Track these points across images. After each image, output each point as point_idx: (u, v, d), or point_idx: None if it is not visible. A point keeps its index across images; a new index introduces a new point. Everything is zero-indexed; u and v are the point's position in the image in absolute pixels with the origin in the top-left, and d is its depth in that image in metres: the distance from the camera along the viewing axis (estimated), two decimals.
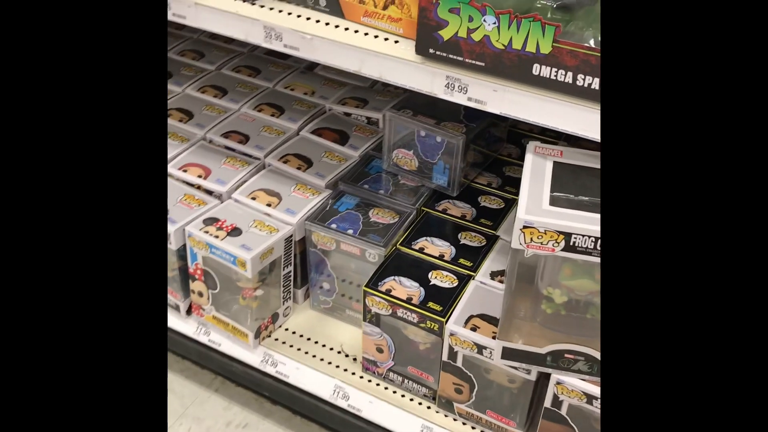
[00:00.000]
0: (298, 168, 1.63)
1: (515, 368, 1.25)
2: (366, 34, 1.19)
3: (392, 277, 1.37)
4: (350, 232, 1.46)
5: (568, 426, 1.25)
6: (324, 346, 1.55)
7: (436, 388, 1.40)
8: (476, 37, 1.05)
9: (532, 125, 1.72)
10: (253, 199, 1.55)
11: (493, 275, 1.38)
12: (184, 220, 1.50)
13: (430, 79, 1.13)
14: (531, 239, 1.05)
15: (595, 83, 1.00)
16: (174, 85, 1.90)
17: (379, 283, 1.36)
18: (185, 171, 1.63)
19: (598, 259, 1.05)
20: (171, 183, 1.60)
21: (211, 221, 1.49)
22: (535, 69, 1.03)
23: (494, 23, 1.03)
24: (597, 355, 1.16)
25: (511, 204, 1.55)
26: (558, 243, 1.04)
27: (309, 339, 1.57)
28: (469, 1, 1.03)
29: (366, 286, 1.36)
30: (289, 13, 1.24)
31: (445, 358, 1.33)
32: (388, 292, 1.35)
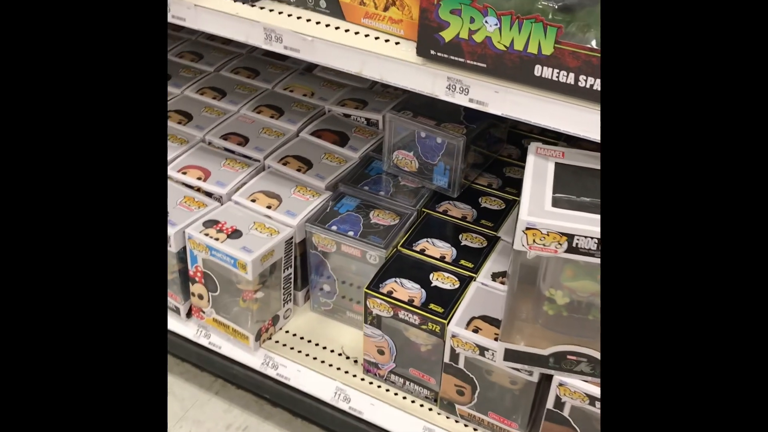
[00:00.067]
0: (298, 170, 1.63)
1: (517, 370, 1.25)
2: (367, 35, 1.18)
3: (393, 279, 1.37)
4: (351, 233, 1.46)
5: (570, 427, 1.25)
6: (325, 348, 1.55)
7: (438, 390, 1.40)
8: (478, 38, 1.04)
9: (532, 126, 1.73)
10: (253, 201, 1.55)
11: (495, 276, 1.38)
12: (184, 223, 1.49)
13: (431, 81, 1.12)
14: (533, 241, 1.05)
15: (597, 84, 1.00)
16: (173, 86, 1.90)
17: (381, 285, 1.36)
18: (185, 173, 1.62)
19: (600, 261, 1.05)
20: (170, 185, 1.60)
21: (211, 223, 1.48)
22: (537, 70, 1.03)
23: (496, 24, 1.03)
24: (599, 356, 1.16)
25: (511, 205, 1.55)
26: (561, 244, 1.04)
27: (310, 341, 1.56)
28: (470, 3, 1.03)
29: (367, 288, 1.36)
30: (290, 15, 1.23)
31: (446, 359, 1.33)
32: (389, 294, 1.34)
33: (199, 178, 1.61)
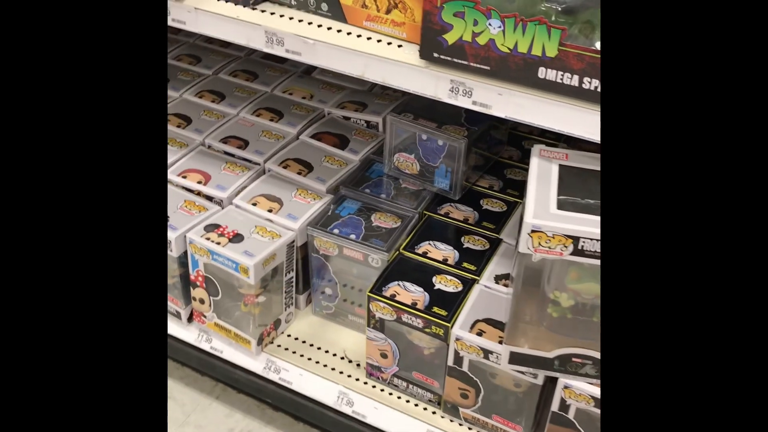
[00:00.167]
0: (299, 173, 1.62)
1: (522, 373, 1.25)
2: (369, 38, 1.18)
3: (396, 282, 1.37)
4: (353, 237, 1.45)
5: (575, 430, 1.25)
6: (327, 352, 1.54)
7: (442, 393, 1.40)
8: (481, 40, 1.04)
9: (532, 127, 1.73)
10: (254, 204, 1.54)
11: (498, 279, 1.38)
12: (185, 227, 1.49)
13: (434, 83, 1.12)
14: (539, 243, 1.04)
15: None
16: (171, 90, 1.89)
17: (383, 289, 1.36)
18: (185, 177, 1.61)
19: None
20: (171, 189, 1.59)
21: (212, 228, 1.48)
22: (541, 72, 1.03)
23: (499, 27, 1.02)
24: None
25: (513, 207, 1.55)
26: (566, 247, 1.04)
27: (312, 345, 1.56)
28: (474, 5, 1.02)
29: (370, 291, 1.35)
30: (291, 18, 1.23)
31: (450, 363, 1.32)
32: (392, 298, 1.34)
33: (199, 182, 1.60)
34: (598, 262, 1.05)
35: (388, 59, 1.14)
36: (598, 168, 1.13)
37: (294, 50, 1.21)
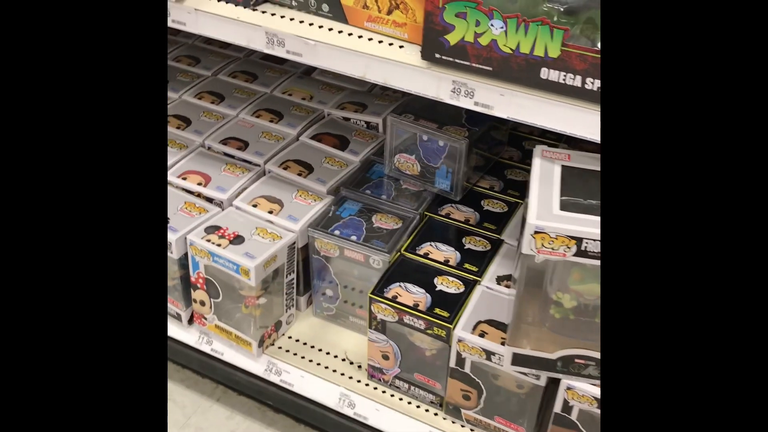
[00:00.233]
0: (299, 174, 1.62)
1: (524, 374, 1.24)
2: (370, 39, 1.18)
3: (398, 284, 1.36)
4: (354, 238, 1.45)
5: (578, 431, 1.24)
6: (328, 353, 1.54)
7: (443, 395, 1.39)
8: (483, 41, 1.04)
9: (532, 128, 1.72)
10: (255, 206, 1.54)
11: (499, 280, 1.38)
12: (185, 229, 1.48)
13: (436, 84, 1.12)
14: (542, 245, 1.04)
15: None
16: (170, 91, 1.89)
17: (385, 290, 1.35)
18: (185, 178, 1.61)
19: None
20: (171, 191, 1.58)
21: (212, 229, 1.47)
22: (543, 73, 1.02)
23: (501, 27, 1.02)
24: None
25: (514, 207, 1.54)
26: (569, 248, 1.03)
27: (313, 347, 1.55)
28: (476, 6, 1.02)
29: (371, 292, 1.35)
30: (292, 19, 1.22)
31: (452, 364, 1.32)
32: (394, 299, 1.33)
33: (199, 184, 1.59)
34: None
35: (390, 60, 1.14)
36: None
37: (295, 51, 1.21)
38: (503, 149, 1.70)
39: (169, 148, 1.68)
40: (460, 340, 1.28)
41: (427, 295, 1.34)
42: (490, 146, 1.64)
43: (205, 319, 1.55)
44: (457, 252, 1.44)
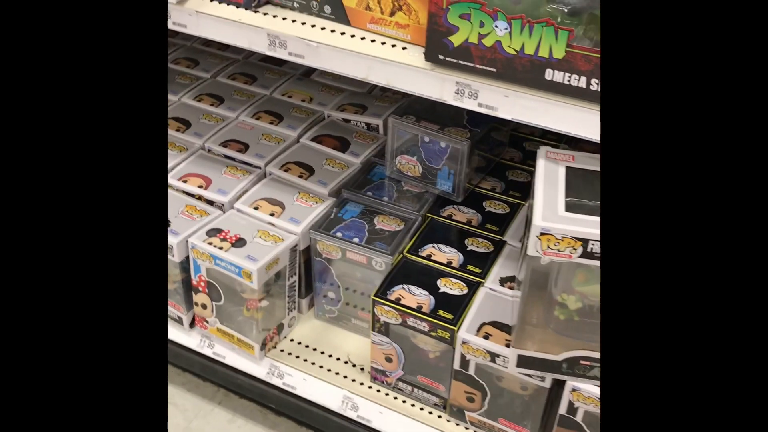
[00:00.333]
0: (300, 176, 1.61)
1: (529, 376, 1.24)
2: (373, 40, 1.17)
3: (401, 286, 1.36)
4: (356, 240, 1.45)
5: None
6: (330, 356, 1.53)
7: (447, 397, 1.39)
8: (487, 42, 1.03)
9: (533, 129, 1.72)
10: (256, 208, 1.53)
11: (503, 281, 1.37)
12: (186, 232, 1.47)
13: (439, 86, 1.11)
14: (548, 246, 1.04)
15: None
16: (169, 93, 1.88)
17: (388, 292, 1.35)
18: (185, 181, 1.60)
19: None
20: (171, 194, 1.58)
21: (214, 232, 1.46)
22: (548, 74, 1.02)
23: (506, 29, 1.02)
24: None
25: (516, 209, 1.54)
26: (575, 249, 1.03)
27: (315, 349, 1.55)
28: (480, 7, 1.02)
29: (375, 295, 1.34)
30: (294, 21, 1.22)
31: (456, 366, 1.31)
32: (397, 301, 1.33)
33: (200, 186, 1.59)
34: None
35: (393, 61, 1.13)
36: None
37: (297, 53, 1.21)
38: (504, 150, 1.70)
39: (169, 151, 1.67)
40: (464, 342, 1.27)
41: (431, 297, 1.34)
42: (491, 147, 1.63)
43: (207, 322, 1.54)
44: (459, 253, 1.43)
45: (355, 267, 1.48)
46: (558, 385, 1.25)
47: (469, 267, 1.40)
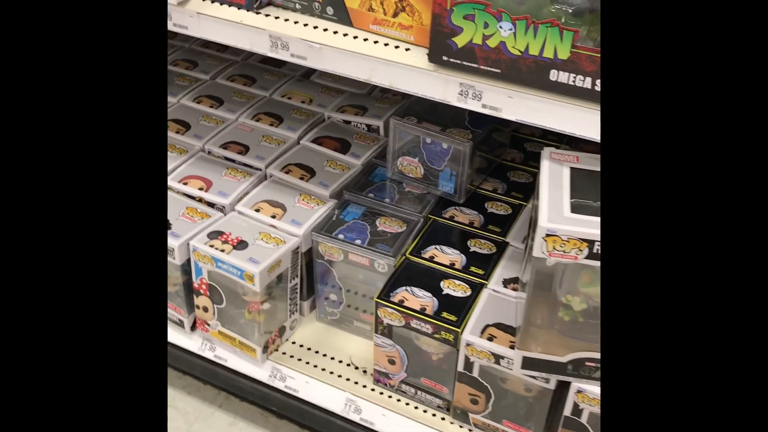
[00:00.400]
0: (301, 178, 1.60)
1: (534, 377, 1.24)
2: (375, 42, 1.17)
3: (404, 288, 1.35)
4: (358, 242, 1.44)
5: None
6: (333, 358, 1.53)
7: (451, 399, 1.38)
8: (492, 43, 1.03)
9: (534, 129, 1.72)
10: (257, 210, 1.53)
11: (506, 283, 1.37)
12: (188, 234, 1.47)
13: (443, 87, 1.11)
14: (554, 247, 1.03)
15: None
16: (169, 95, 1.87)
17: (391, 294, 1.34)
18: (185, 184, 1.59)
19: None
20: (172, 196, 1.57)
21: (215, 234, 1.46)
22: (553, 75, 1.02)
23: (510, 29, 1.01)
24: None
25: (518, 210, 1.54)
26: (581, 251, 1.03)
27: (317, 352, 1.54)
28: (484, 8, 1.01)
29: (378, 297, 1.34)
30: (296, 22, 1.21)
31: (460, 368, 1.31)
32: (401, 303, 1.32)
33: (200, 189, 1.58)
34: None
35: (396, 63, 1.13)
36: None
37: (299, 54, 1.20)
38: (505, 151, 1.70)
39: (169, 153, 1.67)
40: (468, 344, 1.27)
41: (434, 299, 1.33)
42: (493, 148, 1.63)
43: (208, 325, 1.53)
44: (462, 255, 1.43)
45: (356, 269, 1.47)
46: (562, 387, 1.25)
47: (472, 268, 1.40)
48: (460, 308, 1.32)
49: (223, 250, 1.42)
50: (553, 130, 1.06)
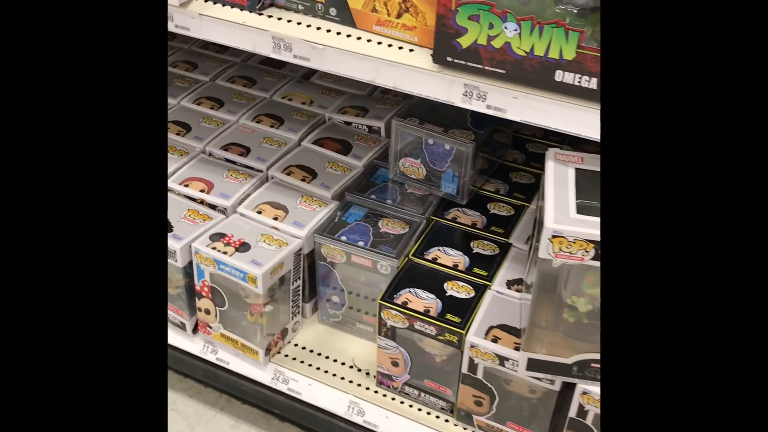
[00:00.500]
0: (303, 179, 1.60)
1: (539, 379, 1.23)
2: (379, 43, 1.16)
3: (407, 290, 1.35)
4: (361, 244, 1.43)
5: None
6: (335, 361, 1.52)
7: (454, 401, 1.38)
8: (497, 44, 1.03)
9: (535, 130, 1.71)
10: (259, 212, 1.52)
11: (510, 284, 1.36)
12: (190, 237, 1.46)
13: (447, 88, 1.11)
14: (560, 249, 1.03)
15: None
16: (169, 97, 1.86)
17: (395, 296, 1.34)
18: (187, 185, 1.59)
19: None
20: (173, 198, 1.56)
21: (218, 237, 1.45)
22: (558, 75, 1.01)
23: (515, 30, 1.01)
24: None
25: (520, 211, 1.53)
26: (587, 252, 1.02)
27: (320, 354, 1.54)
28: (489, 9, 1.01)
29: (381, 299, 1.33)
30: (299, 23, 1.21)
31: (464, 370, 1.30)
32: (404, 305, 1.32)
33: (202, 191, 1.57)
34: None
35: (400, 64, 1.12)
36: None
37: (302, 56, 1.19)
38: (507, 152, 1.69)
39: (169, 155, 1.66)
40: (472, 346, 1.26)
41: (438, 300, 1.33)
42: (495, 149, 1.63)
43: (210, 327, 1.52)
44: (465, 256, 1.42)
45: (359, 271, 1.47)
46: (567, 388, 1.24)
47: (476, 270, 1.39)
48: (464, 310, 1.31)
49: (225, 253, 1.41)
50: (558, 131, 1.06)
